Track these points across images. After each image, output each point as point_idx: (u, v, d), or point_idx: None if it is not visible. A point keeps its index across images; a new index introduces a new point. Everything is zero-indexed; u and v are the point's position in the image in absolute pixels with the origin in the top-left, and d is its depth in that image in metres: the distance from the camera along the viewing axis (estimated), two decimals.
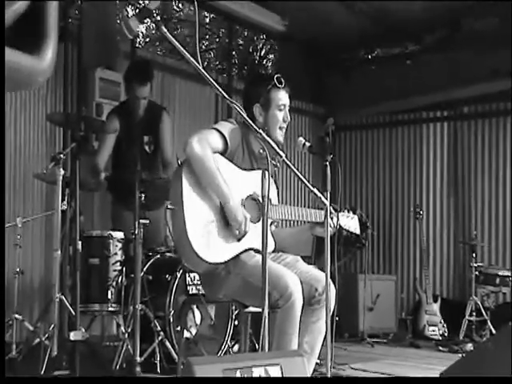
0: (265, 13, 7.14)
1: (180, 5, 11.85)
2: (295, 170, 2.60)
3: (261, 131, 2.50)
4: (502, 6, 6.35)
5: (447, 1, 6.38)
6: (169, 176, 4.66)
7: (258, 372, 1.93)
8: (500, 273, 6.33)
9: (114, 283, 4.54)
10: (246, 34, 11.42)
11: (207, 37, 12.94)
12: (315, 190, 2.75)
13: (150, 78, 4.93)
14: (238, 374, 1.90)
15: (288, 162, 2.55)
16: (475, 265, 6.28)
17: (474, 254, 6.33)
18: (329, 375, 2.82)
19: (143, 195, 4.28)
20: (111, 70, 6.10)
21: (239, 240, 3.14)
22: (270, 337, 2.94)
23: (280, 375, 1.96)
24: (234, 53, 9.68)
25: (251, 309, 3.31)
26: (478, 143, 7.37)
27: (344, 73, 8.12)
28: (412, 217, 7.19)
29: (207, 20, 12.20)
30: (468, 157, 7.43)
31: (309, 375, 3.20)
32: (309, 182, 2.79)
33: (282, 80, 3.32)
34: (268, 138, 2.52)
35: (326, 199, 2.86)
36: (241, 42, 11.89)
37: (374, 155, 8.01)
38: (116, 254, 4.60)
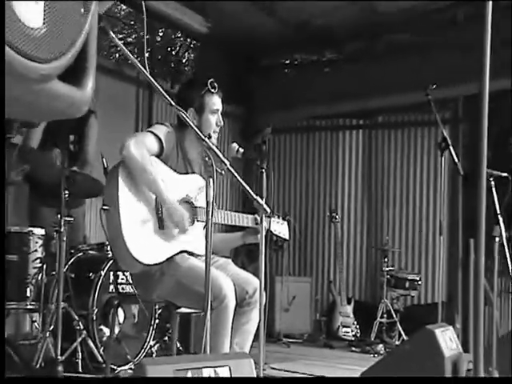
0: (187, 12, 7.15)
1: None
2: (238, 177, 2.67)
3: (206, 139, 2.56)
4: (414, 21, 6.66)
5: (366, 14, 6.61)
6: (88, 173, 4.66)
7: (207, 372, 1.98)
8: (409, 277, 6.61)
9: (34, 281, 4.46)
10: (162, 31, 11.35)
11: (124, 30, 12.73)
12: (258, 198, 2.84)
13: None
14: (190, 375, 1.95)
15: (232, 170, 2.62)
16: (386, 269, 6.54)
17: (385, 259, 6.60)
18: (261, 375, 2.89)
19: (67, 192, 4.24)
20: None
21: (180, 233, 3.17)
22: (203, 337, 3.01)
23: (229, 376, 2.02)
24: (151, 50, 9.61)
25: (183, 309, 3.36)
26: (391, 151, 7.67)
27: (263, 77, 8.24)
28: (328, 221, 7.40)
29: (123, 12, 12.01)
30: (381, 164, 7.71)
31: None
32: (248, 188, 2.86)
33: (216, 85, 3.40)
34: (213, 146, 2.58)
35: (261, 206, 2.94)
36: (158, 39, 11.79)
37: (292, 159, 8.18)
38: (36, 250, 4.51)
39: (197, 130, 2.59)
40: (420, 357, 3.52)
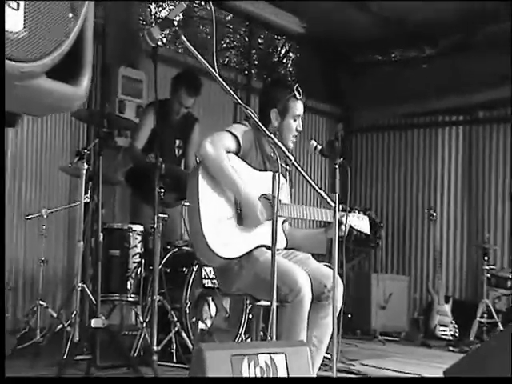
0: (284, 14, 7.28)
1: (202, 2, 12.01)
2: (303, 172, 2.75)
3: (272, 135, 2.65)
4: None
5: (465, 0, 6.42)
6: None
7: (263, 359, 2.08)
8: None
9: (134, 274, 4.70)
10: (264, 34, 11.58)
11: (228, 35, 13.05)
12: (322, 192, 2.90)
13: (199, 93, 5.16)
14: (246, 361, 2.05)
15: (297, 165, 2.70)
16: (487, 267, 6.37)
17: (486, 257, 6.42)
18: (335, 369, 2.93)
19: (162, 191, 4.43)
20: (133, 67, 6.30)
21: (258, 227, 3.26)
22: (279, 330, 3.10)
23: (284, 363, 2.11)
24: (253, 52, 9.83)
25: (263, 302, 3.46)
26: (493, 147, 7.48)
27: (360, 74, 8.24)
28: (426, 219, 7.30)
29: (228, 18, 12.34)
30: (482, 161, 7.53)
31: (316, 367, 3.36)
32: (317, 184, 2.94)
33: (301, 91, 3.48)
34: (278, 142, 2.67)
35: (335, 201, 3.00)
36: (261, 42, 12.03)
37: (390, 157, 8.13)
38: (136, 246, 4.77)
39: (262, 126, 2.68)
40: (506, 354, 3.44)
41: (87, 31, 1.74)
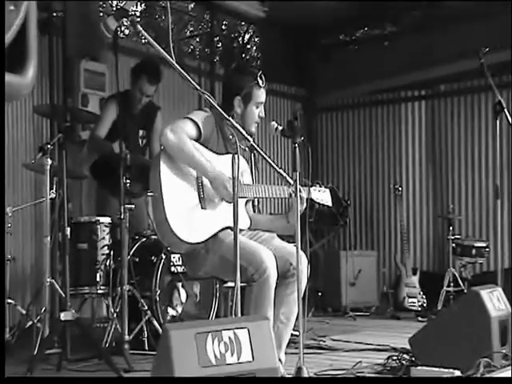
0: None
1: None
2: (262, 152, 2.81)
3: (230, 118, 2.70)
4: None
5: None
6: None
7: (227, 335, 2.14)
8: (476, 244, 6.53)
9: (103, 266, 4.71)
10: (227, 20, 11.55)
11: (191, 23, 13.01)
12: (281, 171, 2.96)
13: (159, 80, 5.16)
14: (210, 337, 2.11)
15: (256, 146, 2.76)
16: (452, 237, 6.48)
17: (451, 227, 6.54)
18: (301, 344, 2.97)
19: (128, 181, 4.45)
20: (95, 61, 6.27)
21: (227, 201, 3.31)
22: (246, 309, 3.18)
23: (247, 337, 2.17)
24: (217, 39, 9.82)
25: (230, 284, 3.52)
26: (455, 120, 7.59)
27: (324, 55, 8.31)
28: (392, 193, 7.41)
29: (191, 6, 12.28)
30: (445, 133, 7.65)
31: (285, 344, 3.43)
32: (280, 165, 3.00)
33: (264, 78, 3.53)
34: (237, 124, 2.72)
35: (295, 179, 3.05)
36: (224, 28, 12.02)
37: (355, 135, 8.22)
38: (104, 238, 4.78)
39: (220, 109, 2.73)
40: (467, 318, 3.56)
41: (30, 23, 1.77)
